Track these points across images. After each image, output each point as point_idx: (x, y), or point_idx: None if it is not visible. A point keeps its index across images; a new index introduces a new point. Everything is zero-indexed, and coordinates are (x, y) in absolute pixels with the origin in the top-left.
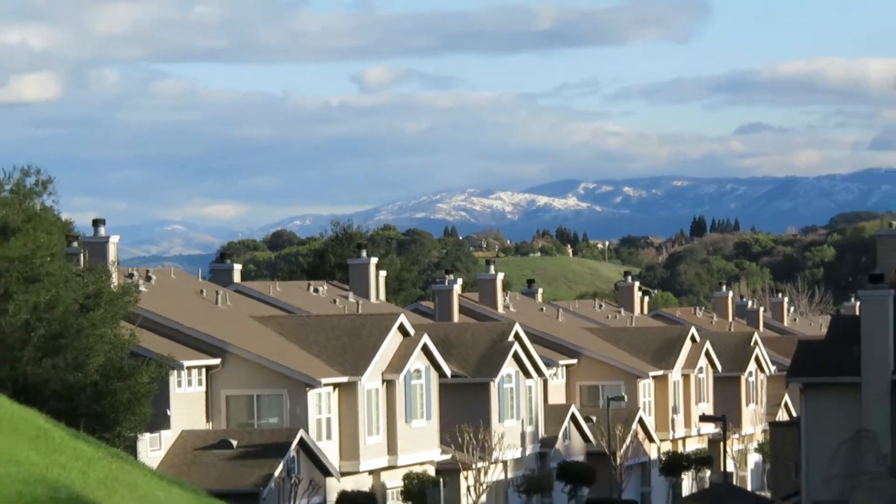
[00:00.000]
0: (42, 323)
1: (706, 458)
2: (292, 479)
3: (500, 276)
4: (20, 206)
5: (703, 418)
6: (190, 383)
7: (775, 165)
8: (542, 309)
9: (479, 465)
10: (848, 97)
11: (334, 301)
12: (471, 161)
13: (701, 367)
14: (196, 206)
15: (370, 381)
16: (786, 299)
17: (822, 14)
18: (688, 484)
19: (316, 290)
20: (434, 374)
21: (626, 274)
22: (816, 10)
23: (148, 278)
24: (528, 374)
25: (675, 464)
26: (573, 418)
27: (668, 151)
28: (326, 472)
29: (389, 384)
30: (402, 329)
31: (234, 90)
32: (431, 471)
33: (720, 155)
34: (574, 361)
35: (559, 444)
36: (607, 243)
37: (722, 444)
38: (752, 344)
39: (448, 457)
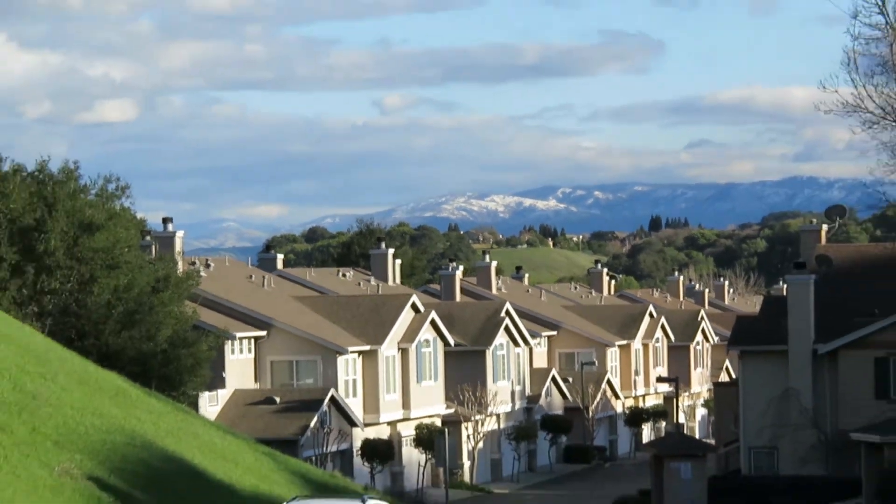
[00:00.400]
0: (121, 302)
1: (662, 412)
2: (325, 429)
3: (494, 263)
4: (103, 207)
5: (660, 379)
6: (241, 351)
7: (717, 174)
8: (528, 290)
9: (477, 417)
10: (776, 118)
11: (359, 284)
12: (469, 170)
13: (657, 338)
14: (246, 207)
15: (388, 349)
16: (726, 283)
17: (754, 51)
18: (647, 433)
19: (344, 275)
20: (440, 344)
21: (596, 262)
22: (750, 47)
23: (207, 265)
24: (516, 343)
25: (636, 416)
26: (553, 379)
27: (630, 162)
28: (352, 423)
29: (404, 351)
30: (413, 307)
31: (277, 113)
32: (438, 422)
33: (672, 165)
34: (554, 333)
35: (542, 401)
36: (581, 237)
37: (675, 400)
38: (699, 319)
39: (452, 411)
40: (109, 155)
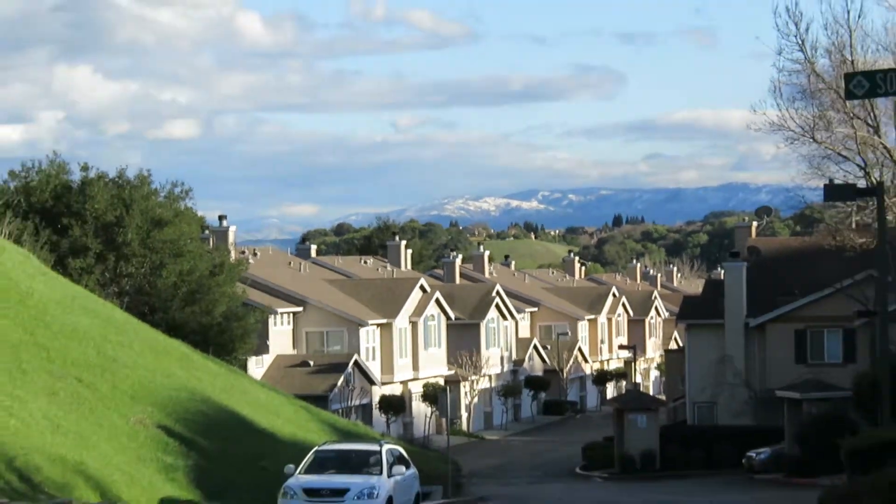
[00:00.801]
0: (184, 283)
1: (622, 374)
2: (349, 387)
3: (487, 253)
4: (171, 206)
5: (621, 347)
6: (282, 323)
7: (668, 180)
8: (514, 275)
9: (473, 378)
10: (716, 135)
11: (377, 269)
12: (467, 177)
13: (619, 313)
14: (286, 207)
15: (401, 322)
16: (675, 269)
17: (699, 81)
18: (610, 390)
19: (365, 262)
20: (443, 318)
21: (569, 252)
22: (696, 78)
23: (254, 254)
24: (505, 318)
25: (602, 377)
26: (535, 347)
27: (598, 171)
28: (372, 382)
29: (414, 324)
30: (422, 287)
31: (311, 131)
32: (441, 381)
33: (632, 174)
34: (535, 309)
35: (525, 364)
36: (557, 231)
37: (633, 364)
38: (652, 298)
39: (452, 372)
40: (176, 165)
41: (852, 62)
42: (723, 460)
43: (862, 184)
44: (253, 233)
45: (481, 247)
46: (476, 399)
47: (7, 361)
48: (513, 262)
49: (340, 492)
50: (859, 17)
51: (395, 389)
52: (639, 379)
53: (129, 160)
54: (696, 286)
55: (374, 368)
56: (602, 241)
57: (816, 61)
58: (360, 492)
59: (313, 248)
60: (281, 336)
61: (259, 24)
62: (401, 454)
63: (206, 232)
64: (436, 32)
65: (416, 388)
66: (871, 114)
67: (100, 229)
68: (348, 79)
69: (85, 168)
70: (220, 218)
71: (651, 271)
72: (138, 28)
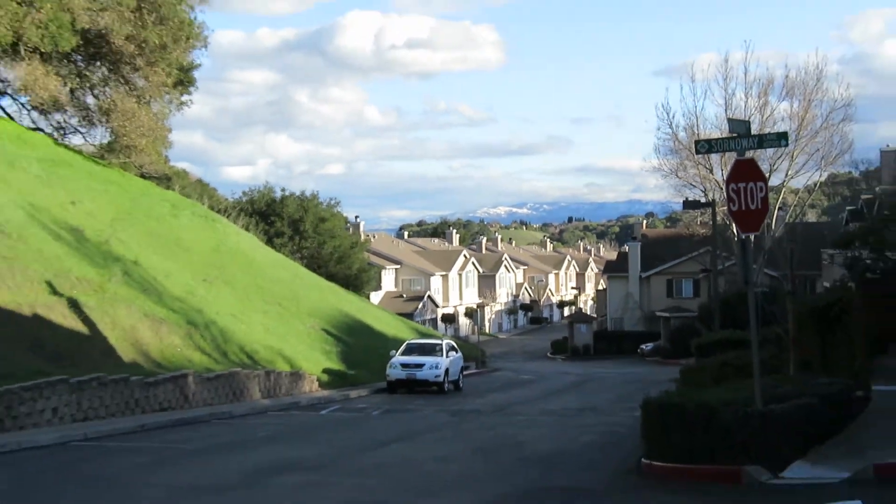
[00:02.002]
0: (336, 252)
1: (573, 302)
2: (425, 308)
3: (499, 237)
4: (329, 210)
5: (572, 288)
6: (389, 274)
7: (599, 198)
8: (514, 248)
9: (491, 304)
10: (625, 173)
11: (440, 245)
12: (488, 195)
13: (571, 270)
14: (391, 211)
15: (453, 273)
16: (601, 247)
17: (614, 144)
18: (566, 311)
19: (434, 241)
20: (475, 271)
21: (544, 237)
22: (612, 141)
23: (373, 237)
24: (509, 271)
25: (562, 304)
26: (525, 288)
27: (560, 193)
28: (437, 306)
29: (460, 275)
30: (464, 255)
31: (406, 170)
32: (475, 305)
33: (578, 194)
34: (526, 266)
35: (520, 297)
36: (538, 225)
37: (577, 297)
38: (588, 262)
39: (481, 300)
40: (331, 188)
41: (697, 134)
42: (626, 349)
43: (703, 200)
44: (373, 224)
45: (498, 235)
46: (493, 316)
47: (240, 296)
48: (513, 242)
49: (419, 365)
50: (701, 109)
51: (449, 310)
52: (581, 305)
53: (306, 186)
54: (612, 255)
55: (438, 299)
56: (562, 230)
57: (678, 133)
58: (430, 364)
59: (405, 233)
60: (388, 281)
61: (376, 112)
62: (453, 345)
63: (348, 225)
64: (471, 117)
65: (461, 310)
66: (708, 162)
67: (290, 223)
68: (424, 141)
69: (283, 190)
70: (356, 217)
71: (590, 248)
72: (311, 115)
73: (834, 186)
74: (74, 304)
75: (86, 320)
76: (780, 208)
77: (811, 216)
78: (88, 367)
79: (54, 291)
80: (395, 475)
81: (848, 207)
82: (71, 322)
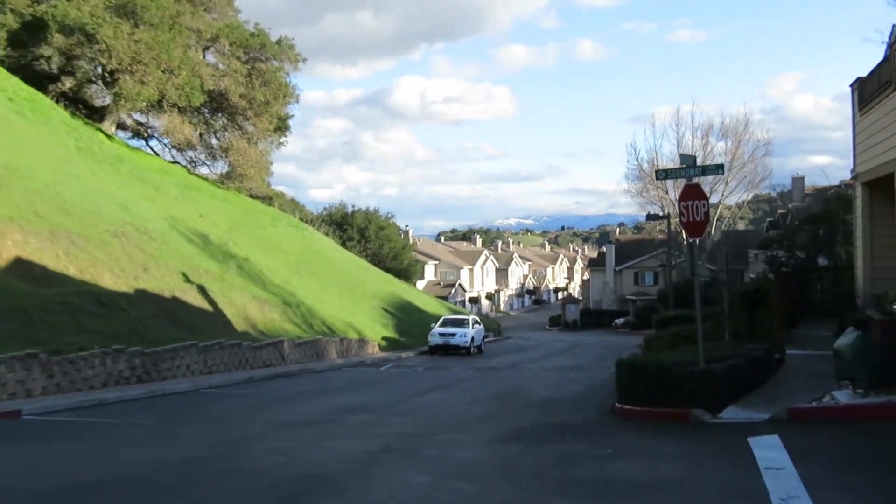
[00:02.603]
0: (391, 251)
1: (566, 288)
2: (456, 293)
3: (511, 240)
4: (387, 220)
5: (565, 277)
6: (430, 267)
7: (584, 212)
8: (523, 248)
9: (505, 290)
10: (604, 194)
11: (468, 246)
12: (503, 210)
13: (565, 264)
14: (428, 221)
15: (477, 267)
16: (586, 248)
17: (593, 173)
18: (560, 295)
19: (463, 243)
20: (494, 265)
21: (544, 241)
22: (591, 172)
23: (419, 241)
24: (518, 266)
25: (557, 290)
26: (530, 278)
27: (556, 208)
28: (465, 290)
29: (482, 269)
30: (485, 254)
31: (443, 191)
32: (493, 290)
33: (569, 209)
34: (530, 262)
35: (526, 284)
36: (539, 232)
37: (568, 284)
38: (578, 259)
39: (497, 287)
40: (388, 204)
41: (657, 165)
42: (604, 323)
43: (661, 214)
44: (418, 231)
45: (510, 240)
46: (506, 298)
47: (322, 284)
48: (521, 244)
49: (452, 334)
50: (660, 147)
51: (474, 294)
52: (571, 291)
53: (370, 203)
54: (594, 254)
55: (466, 286)
56: (557, 236)
57: (643, 165)
58: (460, 334)
59: (442, 238)
60: (429, 273)
61: (422, 149)
62: (477, 319)
63: (400, 232)
64: (491, 153)
65: (483, 294)
66: (665, 186)
67: (358, 230)
68: (456, 171)
69: (353, 206)
70: (406, 226)
71: (577, 249)
72: (374, 151)
73: (758, 203)
74: (202, 290)
75: (210, 301)
76: (718, 219)
77: (741, 225)
78: (212, 335)
79: (187, 280)
80: (434, 414)
81: (768, 219)
82: (199, 302)
